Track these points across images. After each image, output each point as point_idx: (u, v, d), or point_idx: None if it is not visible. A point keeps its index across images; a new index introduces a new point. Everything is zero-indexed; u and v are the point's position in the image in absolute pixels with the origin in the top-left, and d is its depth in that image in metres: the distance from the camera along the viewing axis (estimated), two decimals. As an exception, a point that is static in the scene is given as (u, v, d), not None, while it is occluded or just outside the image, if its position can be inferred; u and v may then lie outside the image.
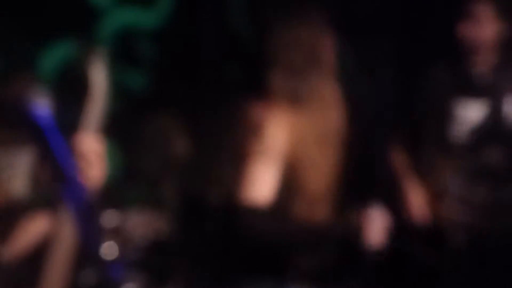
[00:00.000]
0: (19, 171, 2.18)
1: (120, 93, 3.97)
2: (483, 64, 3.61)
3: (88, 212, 2.05)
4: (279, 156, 2.48)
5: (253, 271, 2.56)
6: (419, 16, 4.19)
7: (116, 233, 3.35)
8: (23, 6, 3.74)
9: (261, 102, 2.52)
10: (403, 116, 3.86)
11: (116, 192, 3.52)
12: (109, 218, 3.38)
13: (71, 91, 2.06)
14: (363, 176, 2.73)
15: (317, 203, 2.54)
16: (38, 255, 2.10)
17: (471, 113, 3.59)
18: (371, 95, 3.04)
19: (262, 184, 2.46)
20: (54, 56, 3.96)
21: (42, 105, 1.99)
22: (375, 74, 3.04)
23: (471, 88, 3.60)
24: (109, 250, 3.13)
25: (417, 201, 3.63)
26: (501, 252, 3.56)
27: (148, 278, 3.43)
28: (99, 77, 2.12)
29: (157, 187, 3.80)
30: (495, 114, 3.56)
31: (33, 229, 2.16)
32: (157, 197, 3.78)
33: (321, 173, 2.55)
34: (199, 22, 4.33)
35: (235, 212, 2.46)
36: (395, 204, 3.56)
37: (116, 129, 2.24)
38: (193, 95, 3.93)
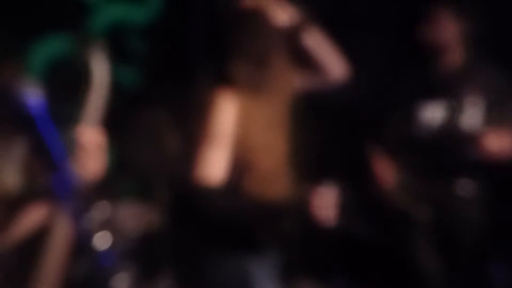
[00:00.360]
0: (12, 162, 2.19)
1: (111, 88, 3.98)
2: (447, 65, 3.62)
3: (80, 203, 2.07)
4: (229, 137, 2.57)
5: (221, 250, 2.64)
6: (389, 17, 4.24)
7: (108, 224, 3.37)
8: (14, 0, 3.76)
9: (216, 86, 2.59)
10: (373, 113, 3.90)
11: (108, 185, 3.54)
12: (102, 210, 3.41)
13: (69, 84, 2.07)
14: (318, 157, 2.80)
15: (270, 182, 2.62)
16: (32, 246, 2.11)
17: (433, 113, 3.60)
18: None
19: (213, 164, 2.54)
20: (44, 50, 3.97)
21: (33, 94, 2.00)
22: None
23: (434, 89, 3.62)
24: (101, 240, 3.16)
25: (384, 171, 3.66)
26: (450, 244, 3.62)
27: (140, 268, 3.46)
28: (100, 69, 2.13)
29: (148, 180, 3.83)
30: (457, 114, 3.58)
31: (27, 220, 2.17)
32: (148, 190, 3.80)
33: (272, 154, 2.65)
34: (189, 17, 4.35)
35: (192, 193, 2.54)
36: (361, 179, 3.65)
37: (107, 123, 2.26)
38: (184, 90, 3.95)
